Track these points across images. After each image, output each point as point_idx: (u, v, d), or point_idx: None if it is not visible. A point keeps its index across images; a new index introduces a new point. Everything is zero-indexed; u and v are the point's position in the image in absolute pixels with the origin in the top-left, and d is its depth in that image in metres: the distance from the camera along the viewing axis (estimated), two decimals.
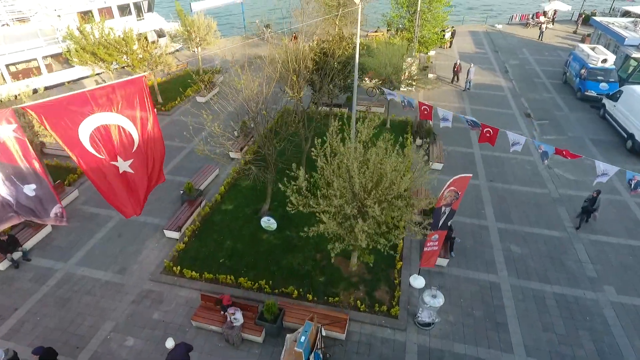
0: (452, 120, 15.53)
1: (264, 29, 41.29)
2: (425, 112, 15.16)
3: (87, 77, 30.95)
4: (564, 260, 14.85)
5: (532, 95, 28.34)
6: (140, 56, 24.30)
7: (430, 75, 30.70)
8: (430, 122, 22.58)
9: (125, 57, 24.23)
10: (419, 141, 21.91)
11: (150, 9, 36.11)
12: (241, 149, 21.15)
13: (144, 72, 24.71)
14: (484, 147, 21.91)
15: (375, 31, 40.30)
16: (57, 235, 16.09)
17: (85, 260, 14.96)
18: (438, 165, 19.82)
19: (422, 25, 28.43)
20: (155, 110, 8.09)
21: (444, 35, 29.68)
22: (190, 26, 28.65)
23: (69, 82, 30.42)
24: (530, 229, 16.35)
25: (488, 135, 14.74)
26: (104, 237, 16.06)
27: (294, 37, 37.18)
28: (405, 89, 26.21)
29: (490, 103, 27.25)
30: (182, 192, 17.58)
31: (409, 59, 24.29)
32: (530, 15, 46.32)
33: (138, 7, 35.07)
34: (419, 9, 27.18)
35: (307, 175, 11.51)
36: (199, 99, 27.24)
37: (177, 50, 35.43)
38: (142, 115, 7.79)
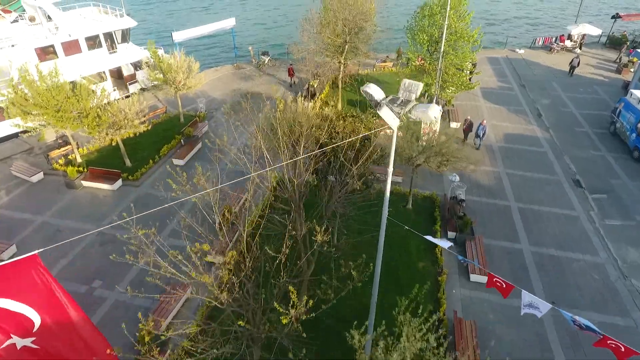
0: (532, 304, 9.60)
1: (262, 57, 36.55)
2: (502, 287, 9.91)
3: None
4: None
5: (578, 153, 23.62)
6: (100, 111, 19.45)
7: (453, 125, 25.95)
8: (464, 204, 17.83)
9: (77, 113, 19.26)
10: (451, 235, 17.15)
11: (124, 39, 31.23)
12: (222, 252, 16.30)
13: (103, 136, 19.87)
14: (536, 242, 17.17)
15: (384, 61, 35.52)
16: None
17: None
18: (480, 278, 15.06)
19: (446, 68, 23.65)
20: (63, 290, 7.12)
21: (470, 79, 24.90)
22: (167, 71, 23.78)
23: None
24: None
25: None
26: None
27: (290, 71, 32.41)
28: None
29: (528, 164, 22.51)
30: (134, 340, 12.71)
31: (432, 126, 19.29)
32: (554, 39, 41.66)
33: (110, 38, 30.25)
34: (441, 50, 22.40)
35: None
36: (177, 161, 22.37)
37: (155, 87, 30.55)
38: (42, 296, 6.91)
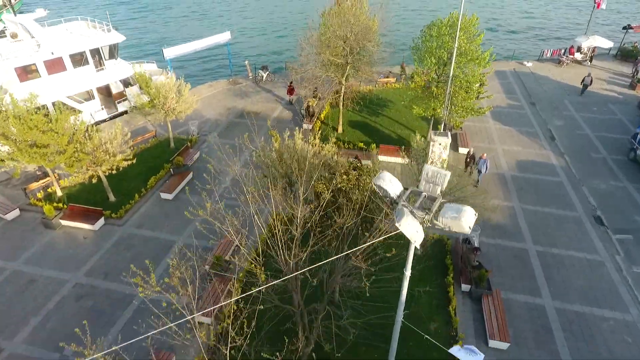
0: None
1: (260, 72, 34.85)
2: None
3: None
4: None
5: (596, 183, 21.99)
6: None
7: (462, 150, 24.30)
8: (480, 252, 16.19)
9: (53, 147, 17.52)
10: (465, 287, 15.50)
11: (112, 56, 29.53)
12: (213, 309, 14.65)
13: (83, 172, 18.18)
14: (560, 295, 15.53)
15: (387, 76, 33.84)
16: None
17: None
18: (501, 345, 13.43)
19: (454, 92, 21.98)
20: None
21: (477, 96, 23.17)
22: (155, 96, 22.07)
23: None
24: None
25: None
26: None
27: (290, 88, 30.72)
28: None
29: (544, 197, 20.87)
30: None
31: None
32: (563, 51, 40.03)
33: (97, 55, 28.55)
34: (451, 74, 20.71)
35: None
36: (165, 195, 20.67)
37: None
38: None
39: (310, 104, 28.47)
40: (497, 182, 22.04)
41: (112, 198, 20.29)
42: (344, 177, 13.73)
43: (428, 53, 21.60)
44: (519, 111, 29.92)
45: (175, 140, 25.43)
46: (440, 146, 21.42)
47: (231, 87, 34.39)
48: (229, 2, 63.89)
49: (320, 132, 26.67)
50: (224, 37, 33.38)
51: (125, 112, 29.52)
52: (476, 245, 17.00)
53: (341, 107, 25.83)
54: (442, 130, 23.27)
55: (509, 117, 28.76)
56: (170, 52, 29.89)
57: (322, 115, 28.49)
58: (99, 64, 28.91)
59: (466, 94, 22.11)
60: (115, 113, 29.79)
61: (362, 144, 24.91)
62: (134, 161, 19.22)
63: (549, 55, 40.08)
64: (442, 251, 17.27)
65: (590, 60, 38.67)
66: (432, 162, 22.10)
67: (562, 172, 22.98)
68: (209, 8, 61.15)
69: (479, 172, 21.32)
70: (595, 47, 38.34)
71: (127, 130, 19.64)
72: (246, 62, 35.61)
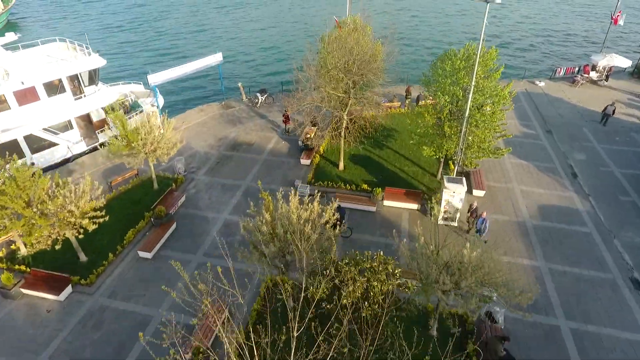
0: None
1: (257, 95, 32.38)
2: None
3: None
4: None
5: (629, 236, 19.63)
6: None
7: (477, 193, 21.91)
8: (508, 342, 13.79)
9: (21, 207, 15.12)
10: None
11: (93, 81, 27.04)
12: None
13: (45, 238, 15.69)
14: None
15: (391, 101, 31.43)
16: None
17: None
18: None
19: (470, 132, 19.61)
20: None
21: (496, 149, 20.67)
22: (133, 138, 19.62)
23: None
24: None
25: None
26: None
27: (285, 117, 28.28)
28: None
29: (572, 254, 18.50)
30: None
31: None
32: (577, 69, 37.70)
33: (76, 81, 26.10)
34: (467, 114, 18.31)
35: None
36: (143, 254, 18.21)
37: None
38: None
39: (309, 135, 26.08)
40: (518, 233, 19.67)
41: (83, 258, 17.83)
42: (350, 287, 10.93)
43: (441, 90, 19.19)
44: (534, 141, 27.55)
45: (159, 180, 22.99)
46: (454, 195, 19.06)
47: (223, 111, 31.95)
48: (221, 20, 59.66)
49: (319, 166, 24.36)
50: (216, 58, 30.93)
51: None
52: (501, 321, 14.66)
53: (342, 143, 23.41)
54: (455, 175, 20.96)
55: (525, 149, 26.40)
56: (155, 78, 27.39)
57: (321, 147, 26.04)
58: (78, 91, 26.45)
59: (483, 133, 19.74)
60: (97, 144, 27.33)
61: (366, 184, 22.51)
62: (107, 218, 16.69)
63: (562, 73, 37.74)
64: (462, 332, 14.86)
65: (607, 79, 36.34)
66: (445, 212, 19.77)
67: (589, 220, 20.62)
68: (201, 26, 57.26)
69: (478, 231, 18.24)
70: (611, 67, 35.99)
71: (98, 184, 17.15)
72: (239, 84, 33.16)
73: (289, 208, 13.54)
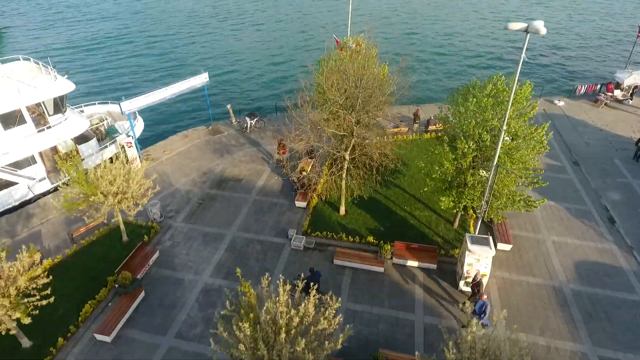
0: None
1: (247, 119, 29.09)
2: None
3: None
4: None
5: None
6: None
7: (502, 246, 18.62)
8: None
9: None
10: None
11: (59, 109, 23.69)
12: None
13: None
14: None
15: (397, 126, 28.13)
16: None
17: None
18: None
19: (499, 180, 16.30)
20: None
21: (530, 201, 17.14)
22: (90, 190, 16.29)
23: None
24: None
25: None
26: None
27: (280, 145, 24.97)
28: None
29: (625, 334, 15.22)
30: None
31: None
32: (599, 87, 34.49)
33: (38, 110, 22.82)
34: (495, 162, 15.01)
35: None
36: (101, 337, 14.86)
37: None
38: None
39: (305, 169, 22.78)
40: (555, 303, 16.38)
41: (25, 344, 14.50)
42: None
43: (464, 133, 15.93)
44: (561, 176, 24.29)
45: (130, 230, 19.70)
46: (479, 260, 15.80)
47: (210, 137, 28.64)
48: (209, 36, 54.25)
49: (317, 210, 21.05)
50: (201, 79, 27.56)
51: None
52: None
53: (344, 186, 20.12)
54: (475, 225, 17.67)
55: (552, 186, 22.94)
56: (130, 105, 23.98)
57: (319, 185, 22.69)
58: (42, 121, 23.17)
59: (512, 183, 16.47)
60: (66, 180, 23.99)
61: (371, 236, 19.24)
62: (51, 300, 13.37)
63: (583, 91, 34.50)
64: None
65: (632, 97, 33.12)
66: (467, 277, 16.50)
67: (636, 281, 17.37)
68: (187, 40, 52.63)
69: (475, 313, 14.26)
70: (638, 85, 32.78)
71: (40, 257, 13.82)
72: (228, 106, 29.82)
73: (276, 310, 10.27)
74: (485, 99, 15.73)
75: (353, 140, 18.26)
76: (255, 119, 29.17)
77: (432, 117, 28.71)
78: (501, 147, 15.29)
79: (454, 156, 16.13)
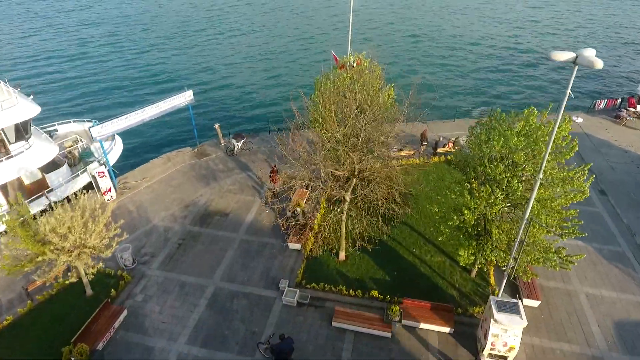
0: None
1: (233, 141, 26.38)
2: None
3: None
4: None
5: None
6: None
7: (528, 302, 15.92)
8: None
9: None
10: None
11: (21, 136, 20.94)
12: None
13: None
14: None
15: (402, 149, 25.35)
16: None
17: None
18: None
19: (531, 234, 13.58)
20: None
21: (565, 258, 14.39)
22: (36, 249, 13.52)
23: None
24: None
25: None
26: None
27: (273, 172, 22.27)
28: None
29: None
30: None
31: None
32: (619, 101, 31.89)
33: None
34: (526, 215, 12.32)
35: None
36: None
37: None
38: None
39: (299, 206, 20.09)
40: None
41: None
42: None
43: (490, 182, 13.22)
44: (587, 208, 21.56)
45: (95, 281, 16.88)
46: (507, 331, 13.11)
47: (196, 161, 25.90)
48: (195, 51, 50.23)
49: (313, 254, 18.32)
50: (185, 97, 24.88)
51: (50, 208, 20.97)
52: None
53: (343, 229, 17.40)
54: (502, 290, 14.95)
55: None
56: (102, 130, 21.24)
57: (315, 222, 19.97)
58: (2, 150, 20.44)
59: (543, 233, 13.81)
60: (32, 214, 21.24)
61: (376, 289, 16.54)
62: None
63: (602, 106, 31.89)
64: None
65: None
66: (491, 350, 13.79)
67: None
68: (172, 54, 49.09)
69: None
70: None
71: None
72: (216, 125, 27.07)
73: None
74: (515, 138, 13.04)
75: (355, 180, 15.55)
76: (242, 141, 26.44)
77: (441, 139, 26.11)
78: (536, 199, 12.62)
79: (475, 205, 13.40)
